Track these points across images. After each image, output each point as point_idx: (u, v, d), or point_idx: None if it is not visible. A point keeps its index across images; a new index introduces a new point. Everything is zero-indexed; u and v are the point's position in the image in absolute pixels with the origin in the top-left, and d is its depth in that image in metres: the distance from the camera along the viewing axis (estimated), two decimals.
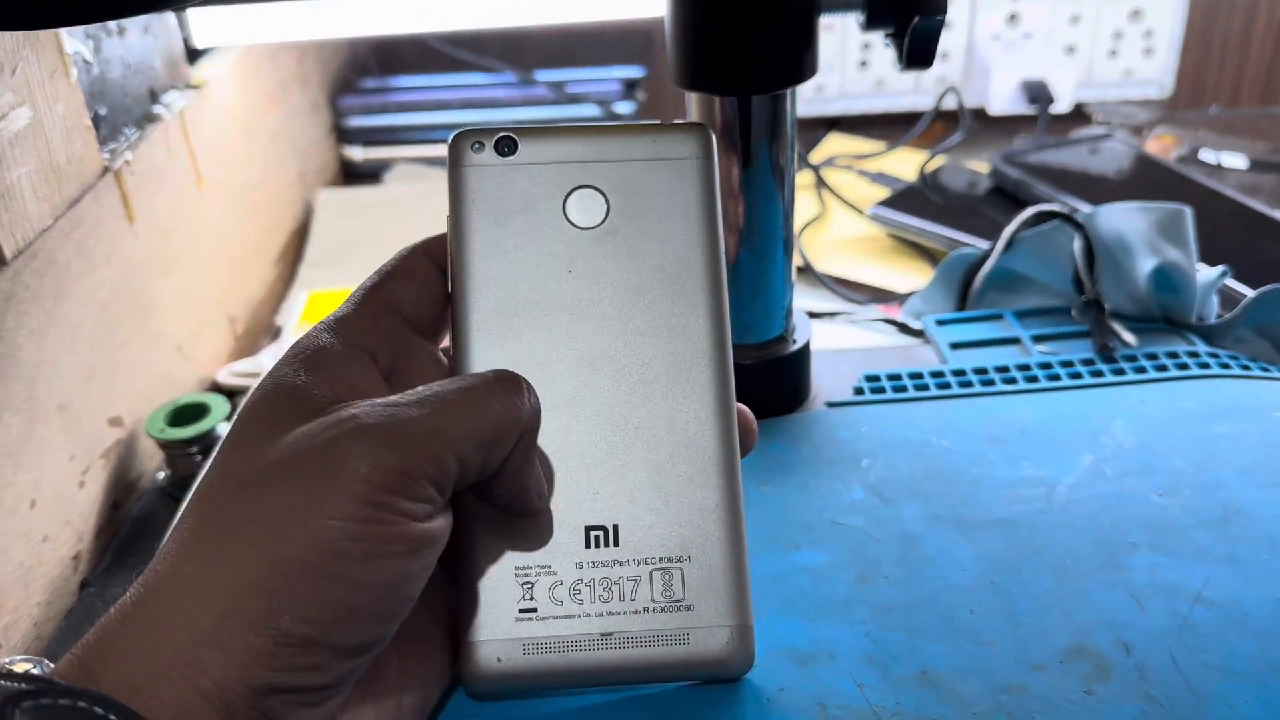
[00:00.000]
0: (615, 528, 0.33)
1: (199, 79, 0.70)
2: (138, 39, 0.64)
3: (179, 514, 0.46)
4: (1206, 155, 0.91)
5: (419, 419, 0.29)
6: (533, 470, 0.32)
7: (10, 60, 0.49)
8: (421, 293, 0.35)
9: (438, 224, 0.36)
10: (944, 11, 0.43)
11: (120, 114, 0.61)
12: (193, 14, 0.72)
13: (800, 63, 0.45)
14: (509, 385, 0.31)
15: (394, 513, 0.28)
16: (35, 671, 0.30)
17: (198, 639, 0.27)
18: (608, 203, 0.35)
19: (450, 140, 0.36)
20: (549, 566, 0.33)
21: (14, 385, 0.48)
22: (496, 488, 0.31)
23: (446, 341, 0.36)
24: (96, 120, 0.57)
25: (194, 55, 0.72)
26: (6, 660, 0.30)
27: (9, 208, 0.49)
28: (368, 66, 1.04)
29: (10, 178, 0.49)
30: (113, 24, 0.61)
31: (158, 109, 0.65)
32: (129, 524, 0.56)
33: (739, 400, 0.35)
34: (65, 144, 0.54)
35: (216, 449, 0.32)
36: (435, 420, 0.29)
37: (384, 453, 0.28)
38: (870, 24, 0.44)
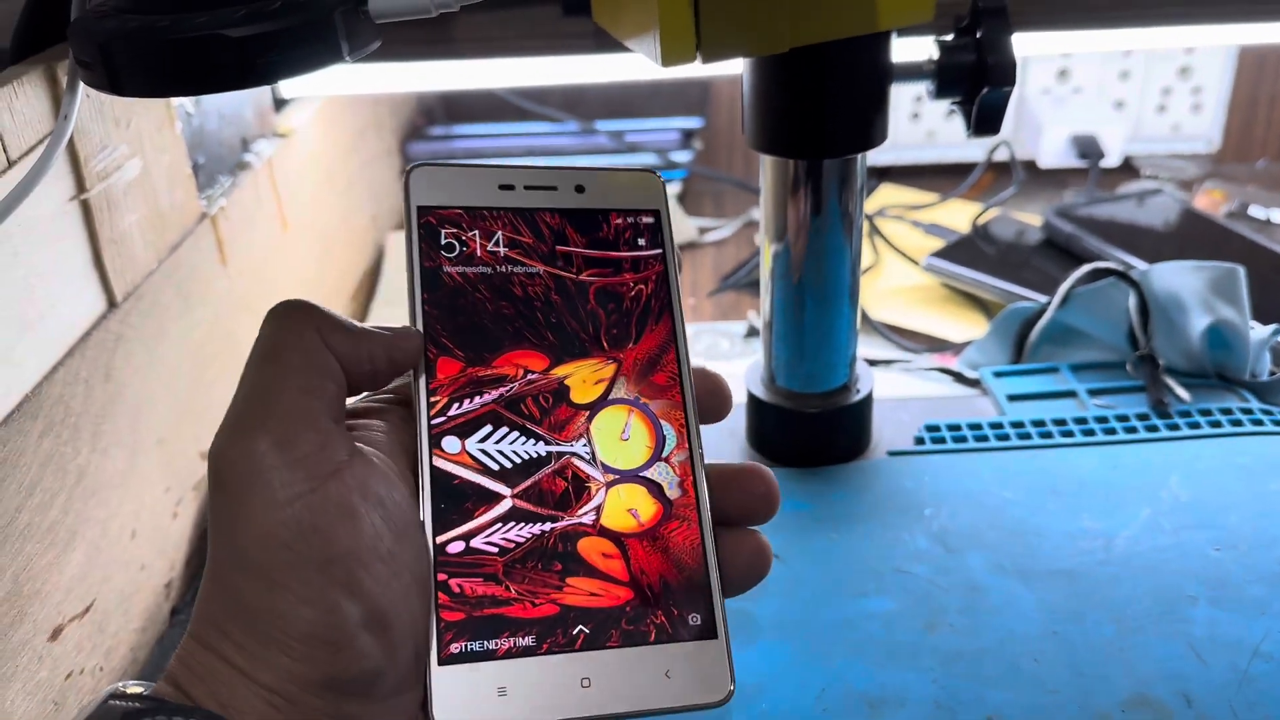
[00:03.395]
0: None
1: (285, 128, 0.74)
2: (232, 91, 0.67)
3: None
4: (1256, 211, 0.93)
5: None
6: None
7: (125, 114, 0.53)
8: None
9: None
10: (1012, 83, 0.45)
11: (216, 162, 0.64)
12: None
13: (871, 129, 0.47)
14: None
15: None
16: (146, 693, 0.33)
17: (246, 656, 0.30)
18: None
19: None
20: None
21: (120, 421, 0.51)
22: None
23: None
24: (196, 169, 0.61)
25: (280, 105, 0.76)
26: (119, 684, 0.33)
27: (121, 253, 0.52)
28: (435, 114, 1.08)
29: (123, 225, 0.52)
30: None
31: (249, 157, 0.68)
32: None
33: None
34: (169, 192, 0.57)
35: None
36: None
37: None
38: (940, 93, 0.47)
